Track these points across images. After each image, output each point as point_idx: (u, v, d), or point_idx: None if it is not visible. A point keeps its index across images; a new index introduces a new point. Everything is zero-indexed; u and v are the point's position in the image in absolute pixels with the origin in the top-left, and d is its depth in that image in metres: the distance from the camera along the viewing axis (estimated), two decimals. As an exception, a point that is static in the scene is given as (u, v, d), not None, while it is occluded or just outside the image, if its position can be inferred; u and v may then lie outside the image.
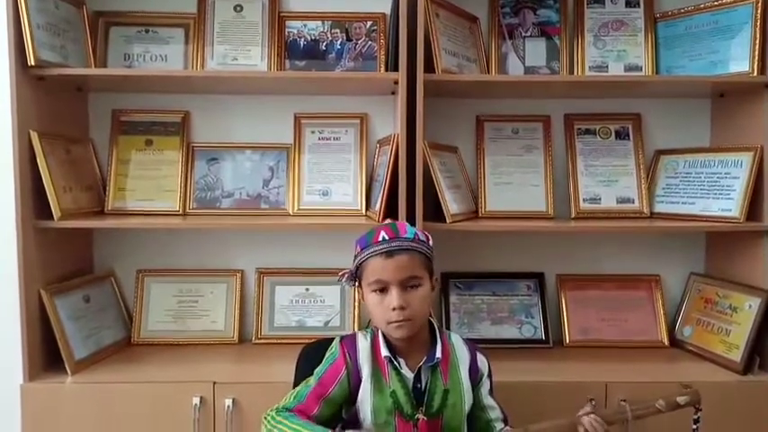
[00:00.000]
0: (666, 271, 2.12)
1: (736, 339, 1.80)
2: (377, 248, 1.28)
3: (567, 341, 2.01)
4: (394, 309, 1.24)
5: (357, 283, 1.36)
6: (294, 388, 1.38)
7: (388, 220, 1.46)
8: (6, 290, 1.85)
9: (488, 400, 1.35)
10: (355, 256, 1.34)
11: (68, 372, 1.72)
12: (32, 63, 1.66)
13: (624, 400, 1.30)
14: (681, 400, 1.25)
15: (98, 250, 2.09)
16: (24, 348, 1.69)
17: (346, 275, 1.36)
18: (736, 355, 1.78)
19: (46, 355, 1.76)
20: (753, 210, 1.84)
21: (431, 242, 1.35)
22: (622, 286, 2.09)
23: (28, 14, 1.65)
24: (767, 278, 1.81)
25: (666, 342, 2.01)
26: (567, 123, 2.10)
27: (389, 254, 1.26)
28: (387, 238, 1.28)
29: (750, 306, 1.81)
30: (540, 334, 2.02)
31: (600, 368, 1.82)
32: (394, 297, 1.25)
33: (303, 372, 1.42)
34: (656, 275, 2.10)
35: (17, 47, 1.65)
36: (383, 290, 1.27)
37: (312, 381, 1.30)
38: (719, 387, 1.70)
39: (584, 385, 1.67)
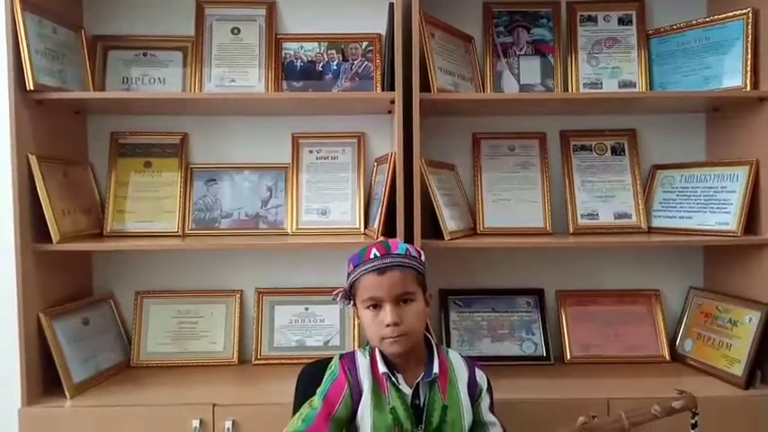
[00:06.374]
0: (666, 285, 2.12)
1: (737, 353, 1.80)
2: (369, 266, 1.29)
3: (568, 357, 2.01)
4: (388, 325, 1.25)
5: (352, 302, 1.36)
6: (296, 409, 1.37)
7: (380, 239, 1.46)
8: (5, 313, 1.85)
9: (489, 416, 1.34)
10: (348, 275, 1.35)
11: (67, 395, 1.71)
12: (31, 87, 1.68)
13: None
14: (676, 404, 1.25)
15: (97, 272, 2.09)
16: (23, 372, 1.68)
17: (340, 294, 1.36)
18: (738, 370, 1.77)
19: (44, 378, 1.75)
20: (750, 223, 1.84)
21: (423, 257, 1.36)
22: (622, 301, 2.09)
23: (27, 40, 1.67)
24: (767, 291, 1.81)
25: (668, 357, 2.00)
26: (562, 140, 2.11)
27: (381, 271, 1.27)
28: (378, 254, 1.29)
29: (750, 320, 1.80)
30: (541, 350, 2.02)
31: (601, 384, 1.81)
32: (388, 313, 1.25)
33: (303, 392, 1.41)
34: (655, 290, 2.10)
35: (16, 72, 1.67)
36: (377, 306, 1.28)
37: (317, 401, 1.28)
38: (721, 402, 1.69)
39: (585, 402, 1.66)
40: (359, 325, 2.01)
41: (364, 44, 2.08)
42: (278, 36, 2.08)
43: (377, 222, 1.79)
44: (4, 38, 1.66)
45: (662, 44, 2.05)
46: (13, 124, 1.67)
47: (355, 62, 2.07)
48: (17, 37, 1.67)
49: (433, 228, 1.83)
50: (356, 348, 1.42)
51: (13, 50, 1.67)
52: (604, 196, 2.07)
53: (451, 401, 1.29)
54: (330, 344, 2.04)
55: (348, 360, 1.33)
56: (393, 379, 1.28)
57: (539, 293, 2.10)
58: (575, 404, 1.66)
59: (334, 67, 2.07)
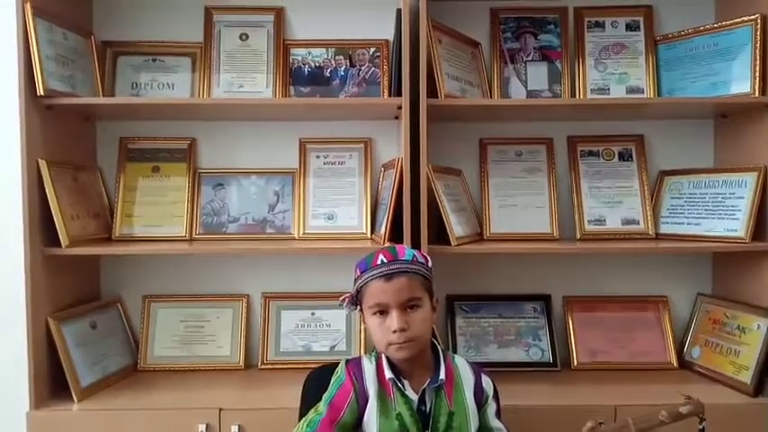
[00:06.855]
0: (673, 292, 2.11)
1: (745, 360, 1.79)
2: (376, 272, 1.29)
3: (575, 363, 2.00)
4: (395, 331, 1.25)
5: (358, 308, 1.36)
6: (302, 414, 1.37)
7: (387, 244, 1.46)
8: (14, 316, 1.86)
9: (495, 422, 1.34)
10: (355, 280, 1.35)
11: (75, 399, 1.72)
12: (42, 93, 1.69)
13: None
14: (684, 410, 1.24)
15: (105, 276, 2.10)
16: (31, 375, 1.69)
17: (347, 300, 1.36)
18: (746, 377, 1.76)
19: (52, 382, 1.76)
20: (758, 229, 1.83)
21: (430, 263, 1.36)
22: (630, 308, 2.08)
23: (38, 46, 1.68)
24: (775, 298, 1.80)
25: (675, 364, 1.99)
26: (570, 145, 2.11)
27: (388, 277, 1.27)
28: (385, 260, 1.29)
29: (759, 326, 1.79)
30: (548, 356, 2.01)
31: (609, 391, 1.81)
32: (394, 319, 1.26)
33: (309, 397, 1.41)
34: (663, 296, 2.09)
35: (27, 77, 1.69)
36: (383, 312, 1.28)
37: (322, 407, 1.28)
38: (730, 409, 1.68)
39: (593, 409, 1.65)
40: (365, 330, 2.01)
41: (372, 50, 2.08)
42: (286, 42, 2.09)
43: (383, 227, 1.80)
44: (16, 44, 1.68)
45: (670, 50, 2.04)
46: (24, 129, 1.69)
47: (362, 68, 2.08)
48: (28, 43, 1.68)
49: (439, 233, 1.83)
50: (362, 354, 1.42)
51: (24, 56, 1.68)
52: (612, 202, 2.06)
53: (458, 407, 1.29)
54: (336, 349, 2.04)
55: (354, 365, 1.33)
56: (399, 385, 1.28)
57: (545, 299, 2.10)
58: (582, 411, 1.65)
59: (342, 73, 2.08)
